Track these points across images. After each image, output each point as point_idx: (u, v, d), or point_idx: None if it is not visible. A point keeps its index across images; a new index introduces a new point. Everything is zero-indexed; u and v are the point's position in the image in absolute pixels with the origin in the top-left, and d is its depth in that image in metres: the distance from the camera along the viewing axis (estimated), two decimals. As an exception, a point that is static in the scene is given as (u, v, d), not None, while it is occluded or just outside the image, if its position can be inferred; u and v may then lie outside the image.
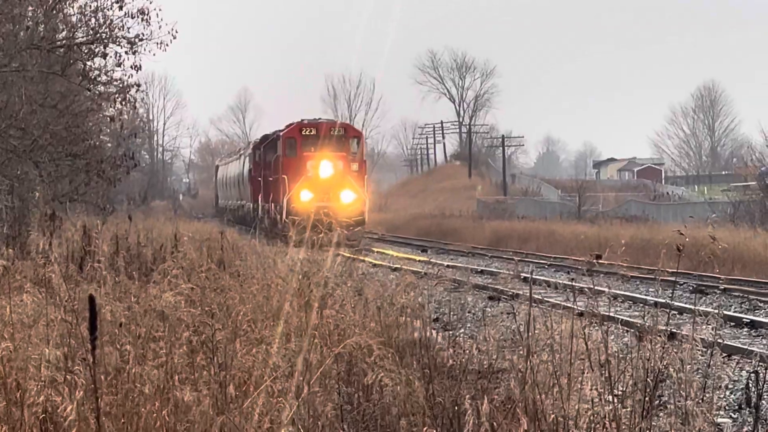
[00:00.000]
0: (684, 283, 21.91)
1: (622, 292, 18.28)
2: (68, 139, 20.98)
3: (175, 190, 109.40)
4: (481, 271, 26.60)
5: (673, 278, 7.86)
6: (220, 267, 13.40)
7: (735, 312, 17.60)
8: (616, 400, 6.50)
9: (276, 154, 42.48)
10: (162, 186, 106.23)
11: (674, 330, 7.48)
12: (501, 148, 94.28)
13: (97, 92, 22.35)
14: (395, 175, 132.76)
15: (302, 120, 41.85)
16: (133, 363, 6.73)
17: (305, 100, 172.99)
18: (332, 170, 39.63)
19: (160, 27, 21.13)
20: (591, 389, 6.59)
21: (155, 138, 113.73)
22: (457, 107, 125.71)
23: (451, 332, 11.96)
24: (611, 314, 7.44)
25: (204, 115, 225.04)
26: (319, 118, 44.10)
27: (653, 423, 6.50)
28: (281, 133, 42.17)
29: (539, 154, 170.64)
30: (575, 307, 7.30)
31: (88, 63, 22.08)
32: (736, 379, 11.39)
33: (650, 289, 20.67)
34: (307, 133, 40.63)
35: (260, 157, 45.85)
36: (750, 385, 10.04)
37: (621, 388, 6.68)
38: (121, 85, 22.41)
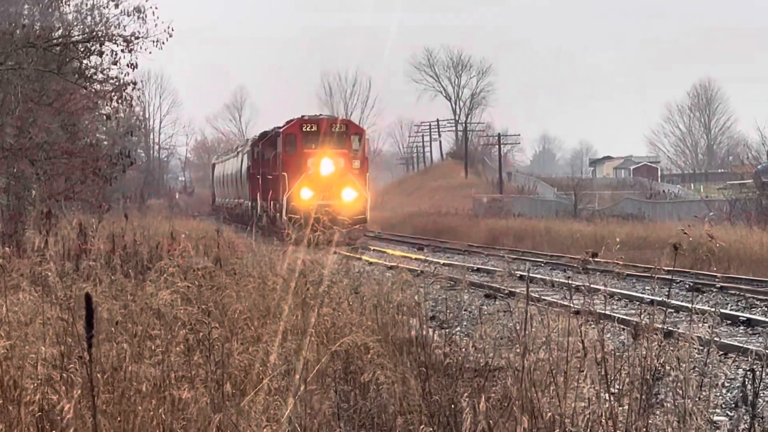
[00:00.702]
0: (680, 281, 21.92)
1: (619, 290, 18.31)
2: (64, 137, 20.98)
3: (171, 188, 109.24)
4: (478, 269, 26.63)
5: (669, 276, 7.86)
6: (217, 265, 13.39)
7: (731, 310, 17.61)
8: (612, 399, 6.50)
9: (276, 151, 41.65)
10: (158, 184, 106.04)
11: (671, 328, 7.49)
12: (497, 146, 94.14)
13: (93, 90, 22.34)
14: (391, 174, 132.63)
15: (303, 116, 41.00)
16: (129, 361, 6.73)
17: (301, 99, 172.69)
18: (333, 168, 38.75)
19: (156, 25, 21.15)
20: (588, 387, 6.59)
21: (151, 136, 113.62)
22: (454, 105, 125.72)
23: (447, 330, 11.95)
24: (607, 312, 7.43)
25: (200, 114, 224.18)
26: (321, 115, 43.43)
27: (650, 421, 6.50)
28: (281, 130, 41.32)
29: (535, 152, 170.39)
30: (571, 305, 7.30)
31: (84, 61, 22.08)
32: (733, 377, 11.41)
33: (646, 287, 20.69)
34: (308, 129, 39.63)
35: (259, 155, 45.04)
36: (746, 383, 10.05)
37: (618, 386, 6.68)
38: (117, 84, 22.39)
